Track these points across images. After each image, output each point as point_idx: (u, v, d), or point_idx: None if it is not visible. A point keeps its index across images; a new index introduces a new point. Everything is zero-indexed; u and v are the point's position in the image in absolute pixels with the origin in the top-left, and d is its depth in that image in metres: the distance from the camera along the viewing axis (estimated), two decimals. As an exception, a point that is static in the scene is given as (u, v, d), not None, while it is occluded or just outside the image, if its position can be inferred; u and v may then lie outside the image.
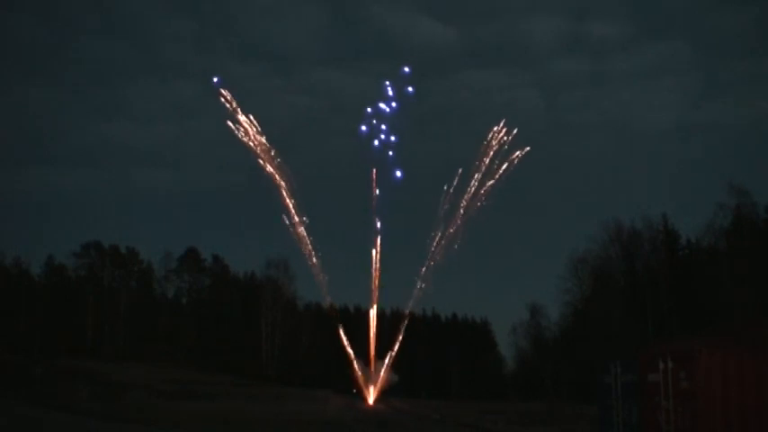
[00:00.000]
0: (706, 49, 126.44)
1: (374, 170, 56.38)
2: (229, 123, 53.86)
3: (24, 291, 71.58)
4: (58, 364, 55.10)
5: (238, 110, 53.99)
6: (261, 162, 54.85)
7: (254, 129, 54.56)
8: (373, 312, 58.27)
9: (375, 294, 58.16)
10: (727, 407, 15.50)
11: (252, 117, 54.49)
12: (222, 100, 53.63)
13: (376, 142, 56.60)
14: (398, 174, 56.10)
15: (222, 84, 54.30)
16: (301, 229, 55.91)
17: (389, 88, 56.52)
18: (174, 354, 69.40)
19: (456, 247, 56.00)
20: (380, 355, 58.36)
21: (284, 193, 55.30)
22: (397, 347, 58.33)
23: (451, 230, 55.84)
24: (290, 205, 55.45)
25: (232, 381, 61.20)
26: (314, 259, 56.60)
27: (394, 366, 58.82)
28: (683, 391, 15.90)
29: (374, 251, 56.82)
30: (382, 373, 57.94)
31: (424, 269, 56.27)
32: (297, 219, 55.65)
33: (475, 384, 74.10)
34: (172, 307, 78.62)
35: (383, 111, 56.77)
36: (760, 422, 15.43)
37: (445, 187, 55.39)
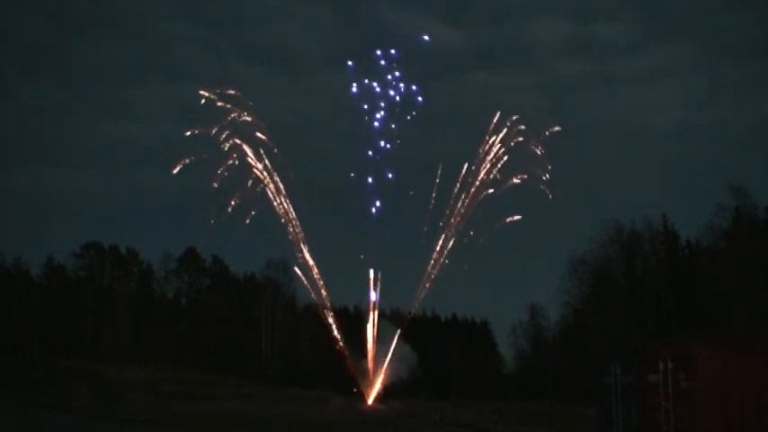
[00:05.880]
0: (709, 52, 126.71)
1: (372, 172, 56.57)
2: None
3: (24, 291, 71.55)
4: (58, 364, 55.07)
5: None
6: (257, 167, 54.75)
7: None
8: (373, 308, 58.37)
9: (375, 295, 58.23)
10: (727, 408, 15.53)
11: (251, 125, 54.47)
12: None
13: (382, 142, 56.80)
14: (390, 175, 56.31)
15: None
16: (299, 230, 55.94)
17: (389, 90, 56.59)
18: (174, 354, 69.33)
19: (457, 245, 56.07)
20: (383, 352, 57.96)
21: (283, 196, 55.34)
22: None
23: (452, 231, 55.89)
24: (288, 207, 55.46)
25: (232, 381, 61.22)
26: (311, 261, 56.64)
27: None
28: (683, 392, 15.93)
29: (374, 251, 56.97)
30: (393, 345, 57.28)
31: (425, 269, 56.38)
32: (295, 220, 55.70)
33: (475, 385, 74.01)
34: (172, 307, 78.60)
35: (384, 113, 56.86)
36: (759, 423, 15.45)
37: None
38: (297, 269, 58.02)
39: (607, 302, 60.39)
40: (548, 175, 54.17)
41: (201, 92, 53.12)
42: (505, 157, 55.23)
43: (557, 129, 55.34)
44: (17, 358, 57.28)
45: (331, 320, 59.30)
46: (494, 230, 55.79)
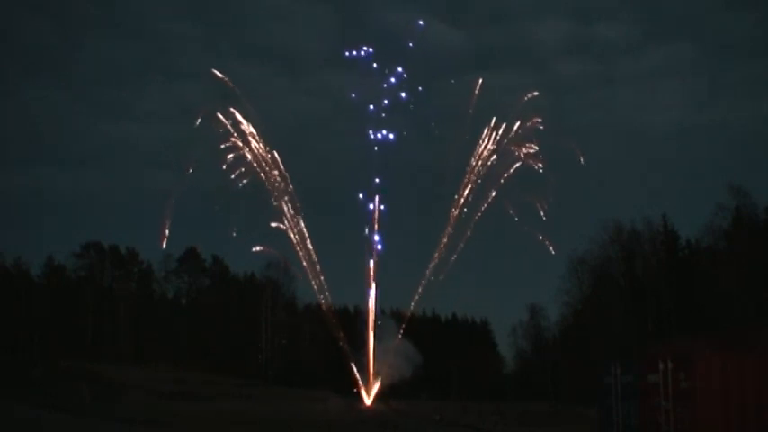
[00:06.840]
0: (709, 52, 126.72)
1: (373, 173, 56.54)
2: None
3: (24, 291, 71.55)
4: (58, 364, 55.07)
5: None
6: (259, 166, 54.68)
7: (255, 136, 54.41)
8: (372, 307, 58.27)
9: (375, 295, 58.16)
10: (727, 408, 15.54)
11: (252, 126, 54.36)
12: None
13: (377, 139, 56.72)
14: (391, 136, 56.03)
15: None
16: (299, 231, 55.88)
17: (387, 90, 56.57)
18: (174, 354, 69.38)
19: (460, 246, 56.03)
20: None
21: (283, 197, 55.31)
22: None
23: (454, 232, 55.87)
24: (288, 208, 55.43)
25: (232, 381, 61.23)
26: (308, 260, 56.58)
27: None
28: (683, 392, 15.94)
29: (374, 251, 56.97)
30: (394, 343, 56.99)
31: (426, 270, 56.32)
32: (294, 221, 55.65)
33: (475, 385, 74.05)
34: (172, 307, 78.61)
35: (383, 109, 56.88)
36: (759, 423, 15.46)
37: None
38: (296, 269, 58.15)
39: (607, 302, 60.40)
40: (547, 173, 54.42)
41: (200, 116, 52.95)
42: (512, 168, 55.47)
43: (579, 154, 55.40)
44: (17, 358, 57.30)
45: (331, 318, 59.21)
46: (504, 232, 55.73)
